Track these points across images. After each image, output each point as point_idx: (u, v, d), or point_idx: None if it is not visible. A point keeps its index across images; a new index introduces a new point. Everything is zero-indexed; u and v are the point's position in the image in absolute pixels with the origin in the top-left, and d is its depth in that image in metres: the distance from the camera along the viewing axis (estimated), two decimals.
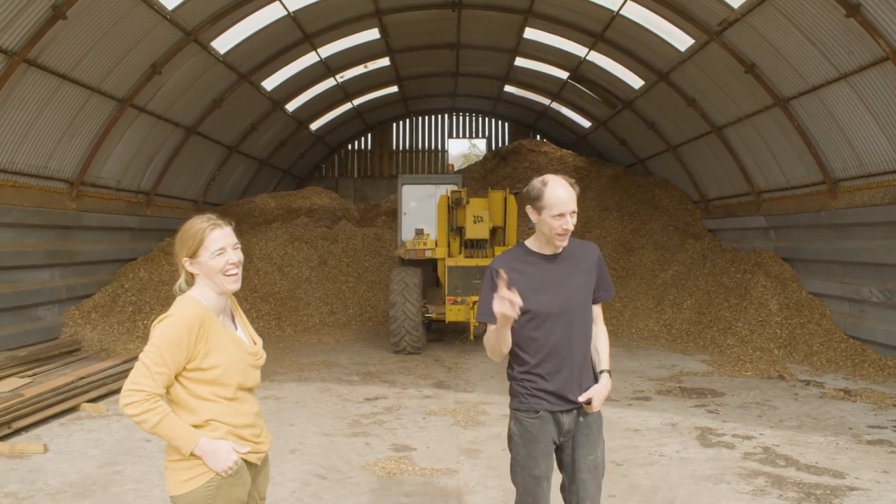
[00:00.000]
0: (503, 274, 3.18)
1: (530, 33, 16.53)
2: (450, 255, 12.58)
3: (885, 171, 10.66)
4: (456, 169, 23.70)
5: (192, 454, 2.80)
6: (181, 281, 3.01)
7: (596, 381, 3.58)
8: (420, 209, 13.91)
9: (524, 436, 3.58)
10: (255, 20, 13.37)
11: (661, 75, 14.85)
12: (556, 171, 20.73)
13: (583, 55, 16.52)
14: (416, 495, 5.88)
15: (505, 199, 12.47)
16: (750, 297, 13.67)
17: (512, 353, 3.61)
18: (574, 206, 3.40)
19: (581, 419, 3.58)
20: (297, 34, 14.88)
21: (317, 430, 7.89)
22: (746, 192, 15.13)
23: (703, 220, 17.90)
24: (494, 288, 3.26)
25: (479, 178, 23.85)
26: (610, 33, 14.68)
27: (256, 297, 16.08)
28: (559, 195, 3.37)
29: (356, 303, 17.04)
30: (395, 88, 22.23)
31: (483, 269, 12.36)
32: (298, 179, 25.31)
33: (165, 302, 13.79)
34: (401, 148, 26.68)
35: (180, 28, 11.91)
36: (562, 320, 3.49)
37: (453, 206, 12.21)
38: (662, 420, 8.17)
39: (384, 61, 19.01)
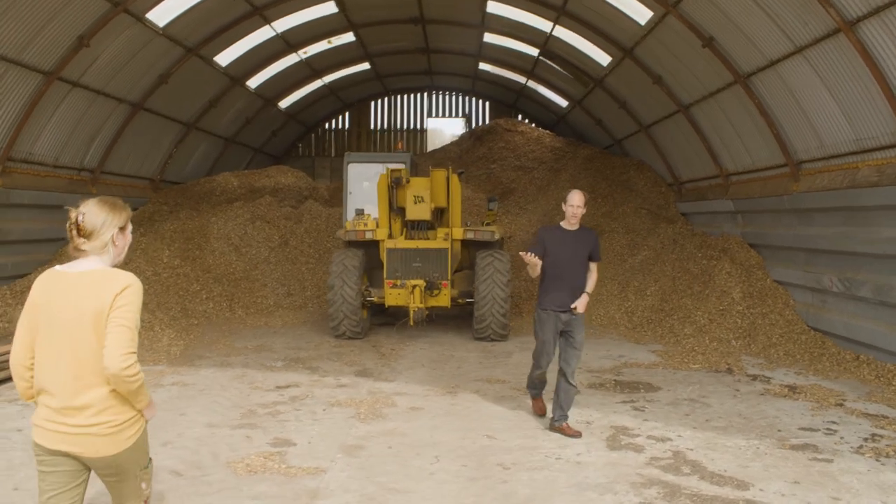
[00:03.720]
0: (533, 253, 6.61)
1: (493, 7, 15.82)
2: (391, 236, 12.00)
3: (845, 153, 9.99)
4: (431, 149, 23.09)
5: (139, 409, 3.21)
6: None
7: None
8: (369, 189, 13.33)
9: (541, 320, 7.02)
10: None
11: (626, 51, 14.14)
12: (531, 151, 20.11)
13: (548, 30, 15.80)
14: (265, 497, 5.38)
15: (448, 179, 11.84)
16: (713, 285, 13.04)
17: (539, 276, 6.89)
18: (581, 205, 6.85)
19: (573, 318, 6.94)
20: (244, 6, 14.24)
21: (204, 421, 7.41)
22: (715, 174, 14.45)
23: (676, 203, 17.22)
24: (536, 244, 6.86)
25: (454, 158, 23.18)
26: (571, 6, 13.96)
27: (209, 278, 15.56)
28: (573, 198, 6.86)
29: (315, 284, 16.50)
30: (366, 65, 21.55)
31: (424, 252, 11.86)
32: (274, 158, 24.71)
33: None
34: (379, 127, 26.03)
35: None
36: (567, 264, 6.84)
37: (393, 186, 11.60)
38: (579, 418, 7.59)
39: (349, 36, 18.34)
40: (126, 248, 3.29)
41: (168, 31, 13.37)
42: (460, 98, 26.00)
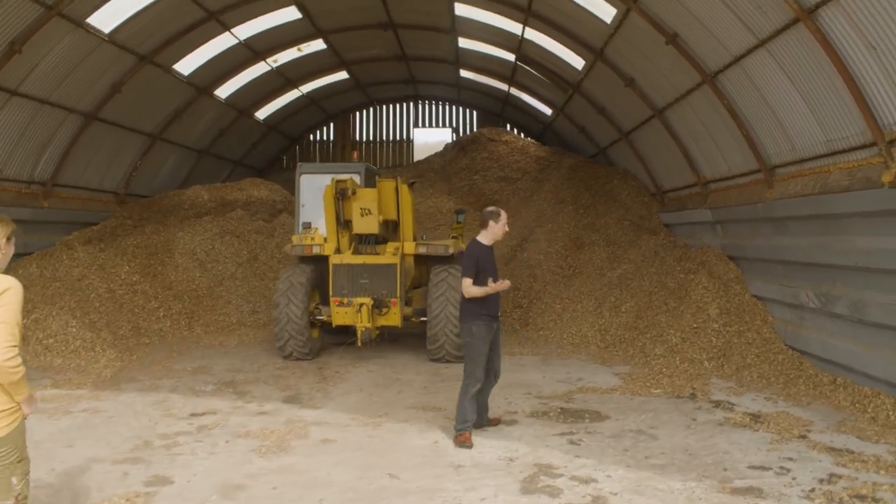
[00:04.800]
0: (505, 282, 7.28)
1: (461, 9, 15.15)
2: (339, 251, 11.28)
3: (816, 156, 9.16)
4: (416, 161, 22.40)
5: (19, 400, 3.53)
6: None
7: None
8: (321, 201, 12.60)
9: (479, 335, 7.16)
10: None
11: (597, 53, 13.38)
12: (516, 161, 19.35)
13: (519, 33, 15.08)
14: None
15: (397, 190, 11.10)
16: (689, 301, 12.16)
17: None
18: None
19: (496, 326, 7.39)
20: (198, 11, 13.64)
21: (89, 455, 6.76)
22: (693, 182, 13.61)
23: (658, 213, 16.36)
24: (472, 261, 7.17)
25: (437, 169, 22.53)
26: (537, 6, 13.24)
27: (168, 295, 14.94)
28: (504, 217, 7.37)
29: None
30: (344, 74, 20.93)
31: (372, 268, 11.10)
32: (256, 171, 24.12)
33: (51, 300, 12.70)
34: (364, 138, 25.39)
35: (37, 1, 10.72)
36: (494, 276, 7.24)
37: (339, 198, 10.89)
38: (502, 453, 6.81)
39: (319, 44, 17.72)
40: (9, 257, 3.75)
41: (115, 37, 12.79)
42: (447, 108, 25.32)
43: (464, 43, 17.70)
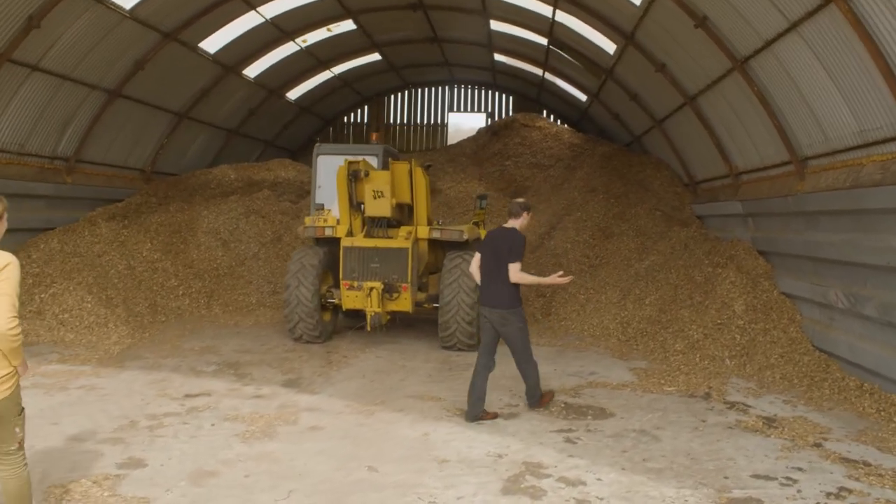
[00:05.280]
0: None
1: None
2: (350, 233, 11.06)
3: (849, 147, 8.59)
4: (448, 145, 22.06)
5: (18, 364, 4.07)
6: None
7: None
8: None
9: (524, 317, 7.51)
10: None
11: (628, 37, 12.87)
12: (549, 148, 18.93)
13: (550, 15, 14.60)
14: None
15: (410, 173, 10.80)
16: (714, 295, 11.65)
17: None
18: None
19: None
20: None
21: (72, 433, 6.70)
22: (726, 173, 13.04)
23: (691, 204, 15.77)
24: (524, 248, 7.41)
25: (469, 154, 22.13)
26: None
27: (189, 273, 14.95)
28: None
29: None
30: (377, 56, 20.66)
31: (383, 252, 10.86)
32: (289, 153, 24.07)
33: (69, 275, 12.79)
34: (398, 121, 25.13)
35: None
36: None
37: (351, 180, 10.64)
38: (492, 449, 6.52)
39: (348, 24, 17.47)
40: (1, 234, 4.08)
41: (137, 13, 12.72)
42: (483, 92, 24.90)
43: (496, 25, 17.27)
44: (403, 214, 11.46)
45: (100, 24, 12.30)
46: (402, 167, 10.82)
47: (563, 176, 19.53)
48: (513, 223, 7.48)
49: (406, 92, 25.06)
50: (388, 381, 9.13)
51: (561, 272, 7.64)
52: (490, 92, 24.85)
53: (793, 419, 7.71)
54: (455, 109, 25.11)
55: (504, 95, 24.77)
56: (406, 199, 10.97)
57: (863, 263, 8.59)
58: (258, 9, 14.90)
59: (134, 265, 14.25)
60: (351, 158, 10.64)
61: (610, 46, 14.36)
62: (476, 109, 25.04)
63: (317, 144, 12.44)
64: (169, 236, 15.70)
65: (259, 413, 7.53)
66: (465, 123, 24.84)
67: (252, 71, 17.85)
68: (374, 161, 11.72)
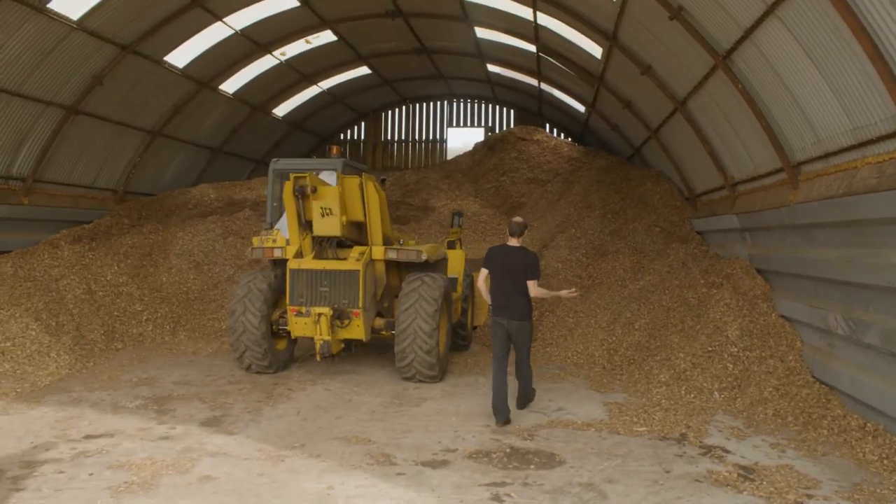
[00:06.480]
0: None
1: None
2: (300, 255, 10.13)
3: (843, 148, 7.44)
4: (443, 161, 21.12)
5: None
6: None
7: None
8: None
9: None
10: None
11: (610, 37, 11.84)
12: (547, 162, 17.90)
13: (531, 18, 13.65)
14: None
15: (362, 188, 9.83)
16: (706, 319, 10.48)
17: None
18: None
19: None
20: None
21: None
22: (721, 184, 11.89)
23: (691, 219, 14.58)
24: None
25: (465, 169, 21.19)
26: None
27: (156, 298, 14.13)
28: None
29: None
30: (365, 69, 19.87)
31: (332, 274, 9.87)
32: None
33: (17, 301, 11.97)
34: (396, 138, 24.30)
35: None
36: None
37: (298, 196, 9.72)
38: None
39: (328, 35, 16.69)
40: None
41: (86, 25, 12.03)
42: (482, 106, 23.98)
43: (481, 33, 16.38)
44: (362, 234, 10.48)
45: (44, 35, 11.62)
46: (352, 182, 9.86)
47: (560, 191, 18.47)
48: (515, 241, 8.11)
49: (404, 107, 24.27)
50: (322, 420, 8.12)
51: (573, 289, 8.89)
52: (490, 106, 23.95)
53: (776, 469, 6.54)
54: (455, 125, 24.24)
55: (505, 109, 23.85)
56: (359, 216, 10.00)
57: (861, 283, 7.40)
58: (225, 19, 14.17)
59: (95, 289, 13.48)
60: (298, 173, 9.72)
61: (596, 50, 13.36)
62: (476, 124, 24.13)
63: (273, 159, 11.55)
64: (139, 259, 14.96)
65: (153, 459, 6.59)
66: (464, 139, 23.92)
67: (230, 86, 17.14)
68: (332, 176, 10.79)
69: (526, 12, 13.56)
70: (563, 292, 8.45)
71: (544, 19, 13.50)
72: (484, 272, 8.21)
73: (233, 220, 16.76)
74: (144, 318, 13.59)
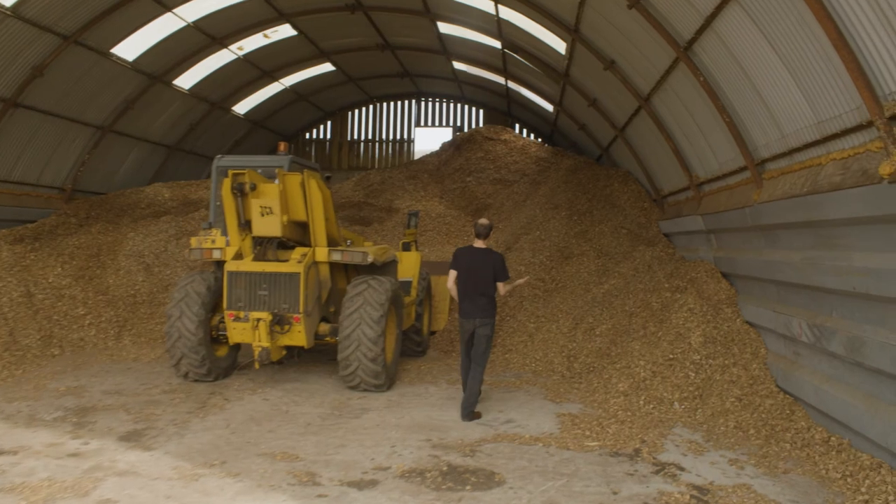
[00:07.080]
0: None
1: None
2: (240, 256, 9.53)
3: (807, 144, 6.99)
4: (410, 161, 20.57)
5: None
6: None
7: None
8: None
9: None
10: None
11: (572, 31, 11.37)
12: (514, 162, 17.39)
13: (493, 11, 13.15)
14: None
15: (303, 186, 9.26)
16: (668, 325, 10.02)
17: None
18: None
19: None
20: None
21: None
22: (687, 184, 11.45)
23: (658, 221, 14.15)
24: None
25: (432, 170, 20.66)
26: None
27: (100, 301, 13.44)
28: None
29: None
30: (328, 66, 19.27)
31: (272, 277, 9.26)
32: None
33: None
34: (362, 137, 23.72)
35: None
36: None
37: (237, 194, 9.14)
38: None
39: (287, 29, 16.09)
40: None
41: (21, 13, 11.35)
42: (451, 105, 23.46)
43: (444, 28, 15.85)
44: (306, 235, 9.90)
45: None
46: (293, 179, 9.28)
47: (526, 192, 17.98)
48: (481, 243, 8.25)
49: (371, 107, 23.70)
50: (251, 433, 7.53)
51: (526, 277, 10.18)
52: (459, 106, 23.44)
53: (732, 489, 6.06)
54: (423, 124, 23.68)
55: (474, 109, 23.35)
56: (301, 216, 9.42)
57: (826, 288, 6.96)
58: (175, 10, 13.52)
59: (34, 292, 12.77)
60: (237, 170, 9.12)
61: (560, 45, 12.90)
62: (445, 124, 23.61)
63: (217, 157, 10.93)
64: (85, 260, 14.27)
65: (52, 480, 5.97)
66: (432, 138, 23.39)
67: (185, 81, 16.47)
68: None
69: (488, 6, 13.08)
70: (519, 281, 9.01)
71: (506, 13, 13.02)
72: (453, 274, 8.27)
73: (187, 221, 16.10)
74: (87, 322, 12.91)
